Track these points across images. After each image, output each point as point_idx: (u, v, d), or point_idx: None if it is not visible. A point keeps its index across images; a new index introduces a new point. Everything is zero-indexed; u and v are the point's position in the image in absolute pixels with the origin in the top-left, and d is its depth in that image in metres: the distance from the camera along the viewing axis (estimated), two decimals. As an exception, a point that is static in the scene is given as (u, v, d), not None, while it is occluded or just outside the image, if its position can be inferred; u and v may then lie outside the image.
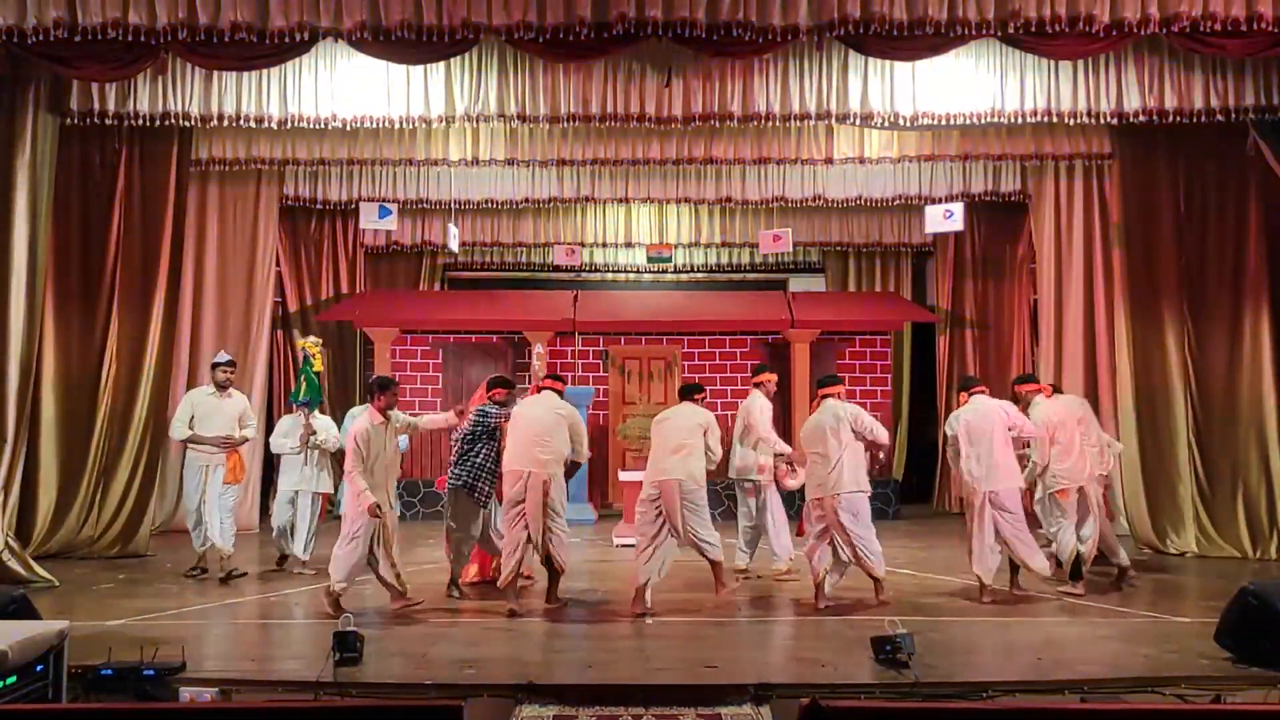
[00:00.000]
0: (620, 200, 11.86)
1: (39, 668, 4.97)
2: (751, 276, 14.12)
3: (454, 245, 11.79)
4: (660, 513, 7.22)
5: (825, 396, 7.59)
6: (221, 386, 8.48)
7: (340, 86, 8.82)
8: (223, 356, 8.75)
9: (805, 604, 7.39)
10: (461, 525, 7.71)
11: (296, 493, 8.58)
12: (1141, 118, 8.83)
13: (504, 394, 7.82)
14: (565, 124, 9.08)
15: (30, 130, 8.55)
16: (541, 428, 7.21)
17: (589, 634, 6.75)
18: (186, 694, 5.36)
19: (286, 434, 8.68)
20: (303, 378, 8.74)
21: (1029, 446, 7.81)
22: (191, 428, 8.35)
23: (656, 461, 7.38)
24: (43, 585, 7.99)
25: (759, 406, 8.47)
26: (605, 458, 12.60)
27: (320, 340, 9.11)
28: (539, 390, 7.76)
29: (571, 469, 7.45)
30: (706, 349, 13.25)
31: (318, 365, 8.74)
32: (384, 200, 11.32)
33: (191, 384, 11.22)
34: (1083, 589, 7.58)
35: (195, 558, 8.44)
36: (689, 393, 7.81)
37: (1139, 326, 9.91)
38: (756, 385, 8.68)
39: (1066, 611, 7.29)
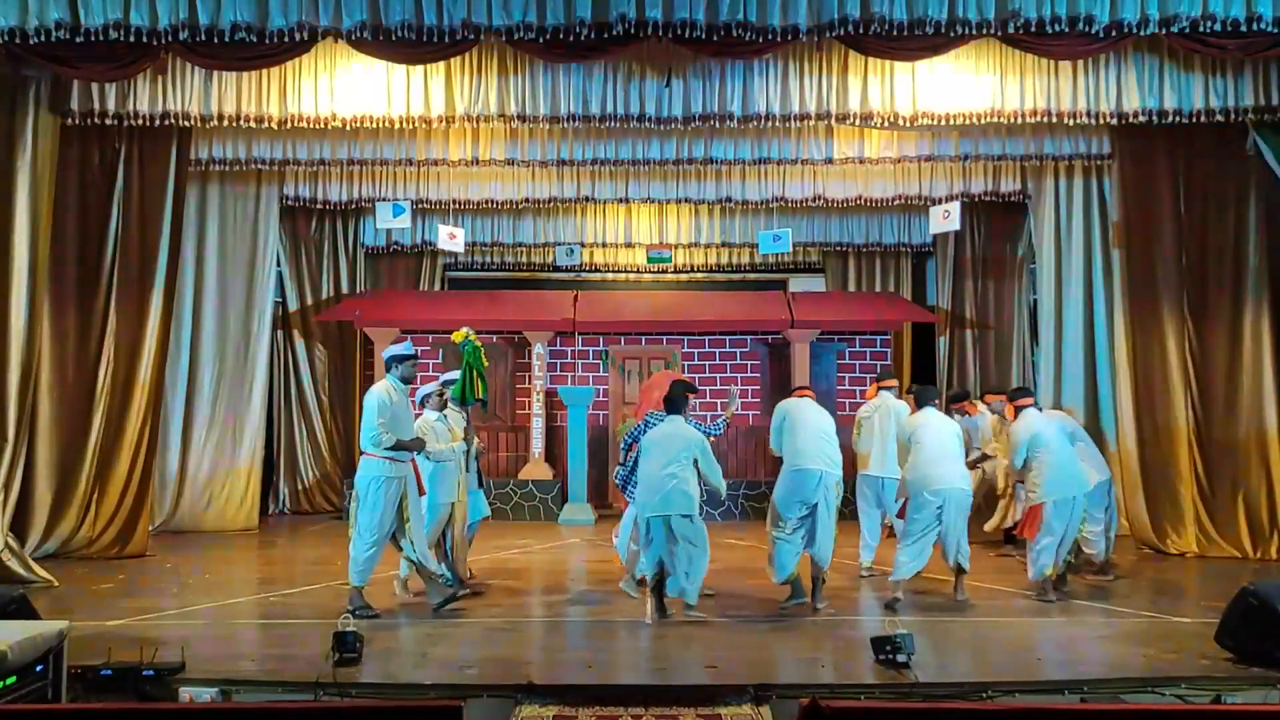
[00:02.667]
0: (620, 200, 11.85)
1: (39, 668, 4.98)
2: (751, 276, 14.11)
3: (449, 246, 11.65)
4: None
5: (1022, 407, 7.70)
6: (407, 382, 7.33)
7: (340, 86, 8.81)
8: (410, 347, 7.45)
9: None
10: None
11: (449, 504, 7.66)
12: (1141, 118, 8.82)
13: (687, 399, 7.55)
14: (565, 124, 9.06)
15: (30, 130, 8.55)
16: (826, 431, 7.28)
17: (589, 634, 6.75)
18: (186, 694, 5.36)
19: (442, 438, 7.57)
20: (474, 372, 7.59)
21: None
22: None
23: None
24: (42, 585, 8.00)
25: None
26: (605, 458, 12.59)
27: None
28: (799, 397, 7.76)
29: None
30: (706, 349, 13.25)
31: (484, 358, 7.79)
32: (385, 199, 11.31)
33: (191, 384, 11.25)
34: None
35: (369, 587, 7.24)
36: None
37: (1139, 326, 9.91)
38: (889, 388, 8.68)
39: (1066, 612, 7.30)
